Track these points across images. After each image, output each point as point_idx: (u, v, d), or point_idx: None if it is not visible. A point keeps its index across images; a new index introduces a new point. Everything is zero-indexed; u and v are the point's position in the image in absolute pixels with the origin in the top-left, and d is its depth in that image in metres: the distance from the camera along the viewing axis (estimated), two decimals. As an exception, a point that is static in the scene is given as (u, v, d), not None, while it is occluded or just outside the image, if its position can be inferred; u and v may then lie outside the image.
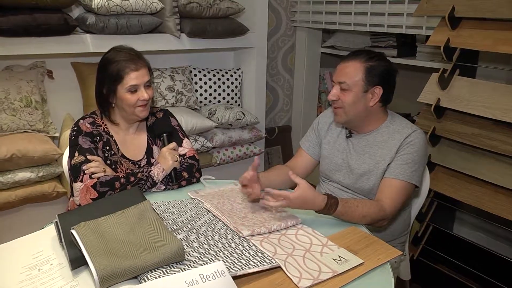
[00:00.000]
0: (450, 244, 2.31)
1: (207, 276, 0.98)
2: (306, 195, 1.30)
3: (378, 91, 1.53)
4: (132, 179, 1.52)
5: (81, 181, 1.49)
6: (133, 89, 1.58)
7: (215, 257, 1.14)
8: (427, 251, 2.31)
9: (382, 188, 1.52)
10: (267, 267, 1.10)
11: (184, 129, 1.86)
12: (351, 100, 1.53)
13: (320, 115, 1.82)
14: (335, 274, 1.09)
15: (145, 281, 1.01)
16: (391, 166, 1.53)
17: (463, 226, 2.66)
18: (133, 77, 1.56)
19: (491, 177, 1.96)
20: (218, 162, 2.90)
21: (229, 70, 3.15)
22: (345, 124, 1.66)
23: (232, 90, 3.12)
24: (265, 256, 1.15)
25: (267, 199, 1.33)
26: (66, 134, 2.26)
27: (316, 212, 1.35)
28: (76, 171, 1.51)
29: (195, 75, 3.01)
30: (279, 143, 3.82)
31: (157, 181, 1.57)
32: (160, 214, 1.37)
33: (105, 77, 1.58)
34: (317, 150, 1.77)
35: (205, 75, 3.03)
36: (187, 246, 1.19)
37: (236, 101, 3.16)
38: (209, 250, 1.18)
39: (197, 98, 2.98)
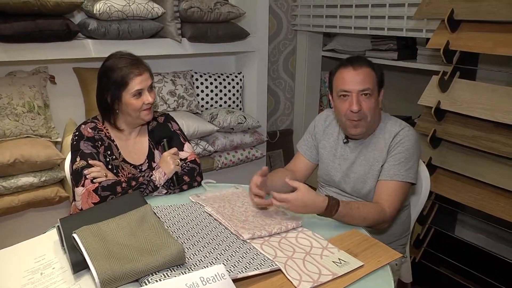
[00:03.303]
0: (451, 246, 2.31)
1: (208, 279, 0.99)
2: (305, 197, 1.30)
3: (382, 93, 1.57)
4: (133, 183, 1.53)
5: (83, 185, 1.50)
6: (138, 94, 1.59)
7: (216, 260, 1.15)
8: (428, 254, 2.31)
9: (379, 191, 1.52)
10: (267, 270, 1.10)
11: (185, 133, 1.86)
12: (373, 105, 1.51)
13: (316, 118, 1.81)
14: (335, 276, 1.09)
15: (146, 284, 1.02)
16: (384, 167, 1.53)
17: (465, 229, 2.66)
18: (138, 82, 1.58)
19: (492, 179, 1.96)
20: (219, 166, 2.91)
21: (230, 74, 3.16)
22: (362, 135, 1.59)
23: (234, 94, 3.13)
24: (266, 259, 1.15)
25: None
26: (69, 139, 2.27)
27: (318, 214, 1.35)
28: (77, 176, 1.52)
29: (197, 79, 3.02)
30: (280, 146, 3.83)
31: (158, 185, 1.58)
32: (161, 218, 1.38)
33: (108, 84, 1.59)
34: (314, 153, 1.78)
35: (206, 79, 3.05)
36: (188, 249, 1.20)
37: (237, 105, 3.17)
38: (209, 253, 1.18)
39: (198, 102, 2.99)
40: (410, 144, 1.53)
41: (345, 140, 1.67)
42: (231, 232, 1.31)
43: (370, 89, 1.49)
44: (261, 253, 1.18)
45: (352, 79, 1.50)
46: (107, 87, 1.59)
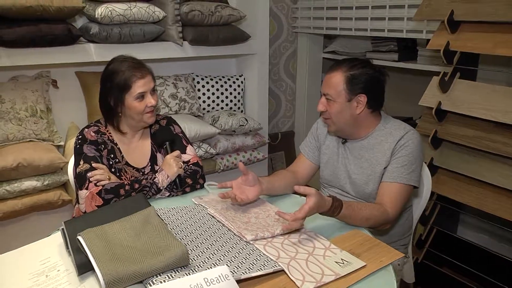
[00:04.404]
0: (454, 246, 2.31)
1: (212, 280, 0.99)
2: (317, 205, 1.27)
3: (363, 99, 1.54)
4: (136, 186, 1.54)
5: (87, 188, 1.51)
6: (141, 96, 1.60)
7: (219, 261, 1.16)
8: (431, 254, 2.31)
9: (381, 192, 1.53)
10: (271, 270, 1.11)
11: (187, 136, 1.87)
12: (336, 110, 1.56)
13: (319, 119, 1.82)
14: (338, 276, 1.10)
15: (151, 286, 1.03)
16: (388, 169, 1.54)
17: (467, 229, 2.66)
18: (140, 85, 1.59)
19: (493, 179, 1.97)
20: (221, 168, 2.92)
21: (232, 77, 3.17)
22: (336, 133, 1.68)
23: (235, 97, 3.14)
24: (269, 260, 1.16)
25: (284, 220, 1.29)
26: (71, 142, 2.29)
27: (319, 213, 1.36)
28: (81, 179, 1.53)
29: (198, 82, 3.04)
30: (282, 148, 3.84)
31: (161, 188, 1.59)
32: (164, 220, 1.39)
33: (111, 88, 1.60)
34: (317, 155, 1.78)
35: (207, 82, 3.06)
36: (192, 251, 1.21)
37: (239, 108, 3.18)
38: (213, 255, 1.19)
39: (200, 105, 3.00)
40: (414, 147, 1.54)
41: (343, 141, 1.68)
42: (234, 234, 1.31)
43: (330, 94, 1.57)
44: (264, 254, 1.19)
45: (323, 82, 1.61)
46: (110, 90, 1.60)
